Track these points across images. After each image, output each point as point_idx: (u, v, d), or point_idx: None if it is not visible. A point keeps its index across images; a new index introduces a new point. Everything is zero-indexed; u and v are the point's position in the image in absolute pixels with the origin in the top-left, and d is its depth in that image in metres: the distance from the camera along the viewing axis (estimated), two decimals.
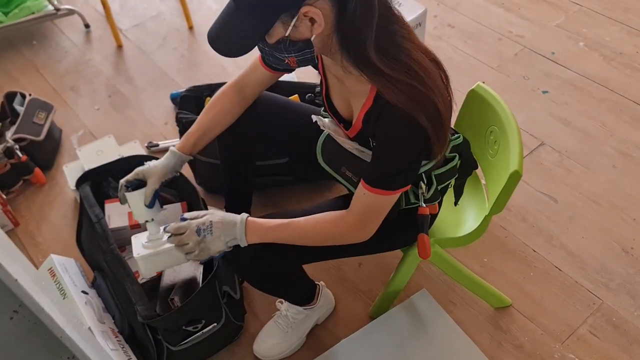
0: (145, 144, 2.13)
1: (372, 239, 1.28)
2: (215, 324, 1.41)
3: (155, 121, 2.26)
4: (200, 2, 2.83)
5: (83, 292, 1.45)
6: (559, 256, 1.72)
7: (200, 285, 1.46)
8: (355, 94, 1.15)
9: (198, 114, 1.89)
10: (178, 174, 1.38)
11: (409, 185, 1.15)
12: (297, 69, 1.27)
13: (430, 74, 1.06)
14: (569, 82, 2.25)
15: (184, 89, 2.26)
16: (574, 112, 2.14)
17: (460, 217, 1.51)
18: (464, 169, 1.32)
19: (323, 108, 1.37)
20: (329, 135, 1.32)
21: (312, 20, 1.01)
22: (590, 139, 2.04)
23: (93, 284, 1.56)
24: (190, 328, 1.36)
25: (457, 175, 1.32)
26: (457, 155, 1.28)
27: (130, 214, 1.61)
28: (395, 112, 1.04)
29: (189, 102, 1.90)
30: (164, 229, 1.21)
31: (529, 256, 1.73)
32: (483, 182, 1.51)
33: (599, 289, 1.64)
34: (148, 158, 1.69)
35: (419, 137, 1.06)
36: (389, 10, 1.07)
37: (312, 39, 1.03)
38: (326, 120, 1.31)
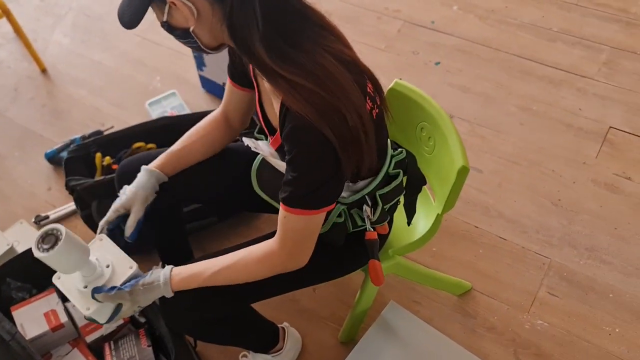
0: (33, 220, 1.84)
1: (326, 265, 1.19)
2: None
3: (35, 189, 1.96)
4: (46, 40, 2.49)
5: None
6: (499, 226, 1.74)
7: None
8: (274, 93, 1.02)
9: (90, 176, 1.68)
10: (155, 194, 1.24)
11: (332, 205, 1.04)
12: None
13: (338, 81, 0.94)
14: (456, 49, 2.28)
15: (60, 144, 2.01)
16: (470, 77, 2.17)
17: None
18: (412, 185, 1.24)
19: (257, 127, 1.25)
20: (262, 161, 1.20)
21: (190, 10, 0.96)
22: (492, 101, 2.09)
23: None
24: None
25: (405, 193, 1.24)
26: (401, 172, 1.20)
27: (47, 315, 1.36)
28: (297, 120, 0.93)
29: (77, 165, 1.65)
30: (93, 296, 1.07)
31: (473, 234, 1.74)
32: None
33: (544, 249, 1.69)
34: None
35: (326, 152, 0.95)
36: (293, 6, 0.96)
37: (191, 29, 0.99)
38: (260, 142, 1.19)
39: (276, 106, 1.04)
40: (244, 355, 1.45)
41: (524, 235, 1.72)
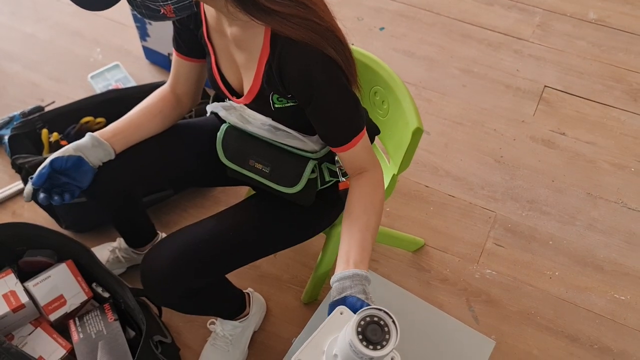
0: None
1: (296, 228, 1.23)
2: None
3: None
4: None
5: None
6: (448, 184, 1.83)
7: (127, 345, 1.29)
8: (247, 48, 1.04)
9: (37, 153, 1.63)
10: (96, 170, 1.19)
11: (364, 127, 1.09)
12: None
13: (325, 8, 0.99)
14: (399, 14, 2.32)
15: None
16: (413, 42, 2.23)
17: None
18: (369, 136, 1.29)
19: (212, 96, 1.24)
20: (227, 129, 1.20)
21: None
22: (435, 64, 2.16)
23: None
24: None
25: None
26: None
27: (6, 296, 1.33)
28: (300, 50, 0.96)
29: (22, 142, 1.58)
30: None
31: (423, 193, 1.82)
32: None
33: (489, 203, 1.79)
34: (19, 225, 1.40)
35: (337, 70, 0.99)
36: None
37: None
38: (226, 102, 1.18)
39: (247, 59, 1.05)
40: (212, 322, 1.48)
41: (470, 192, 1.82)
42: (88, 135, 1.17)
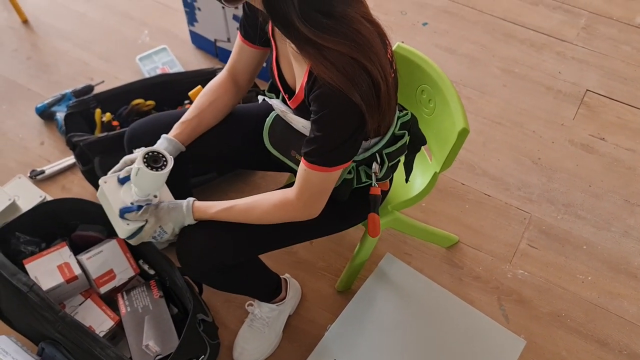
0: (28, 174, 1.84)
1: (328, 220, 1.27)
2: (202, 356, 1.33)
3: (28, 143, 1.95)
4: None
5: None
6: (484, 183, 1.85)
7: (171, 321, 1.36)
8: (297, 58, 1.07)
9: (91, 132, 1.70)
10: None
11: (348, 163, 1.12)
12: None
13: (372, 45, 1.00)
14: (442, 10, 2.33)
15: (50, 99, 1.99)
16: (455, 39, 2.24)
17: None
18: (413, 144, 1.32)
19: (269, 84, 1.29)
20: (276, 118, 1.26)
21: None
22: (477, 63, 2.16)
23: (41, 356, 1.37)
24: None
25: (406, 152, 1.32)
26: (406, 132, 1.27)
27: (60, 267, 1.40)
28: (327, 90, 0.99)
29: (77, 121, 1.65)
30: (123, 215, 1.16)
31: (459, 190, 1.84)
32: None
33: (525, 204, 1.81)
34: (74, 201, 1.47)
35: (353, 115, 1.02)
36: None
37: None
38: (274, 100, 1.23)
39: (297, 69, 1.09)
40: (250, 304, 1.53)
41: (506, 192, 1.83)
42: (163, 138, 1.26)
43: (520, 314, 1.59)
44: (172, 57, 2.13)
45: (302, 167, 1.09)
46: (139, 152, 1.12)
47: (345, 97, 0.98)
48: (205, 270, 1.22)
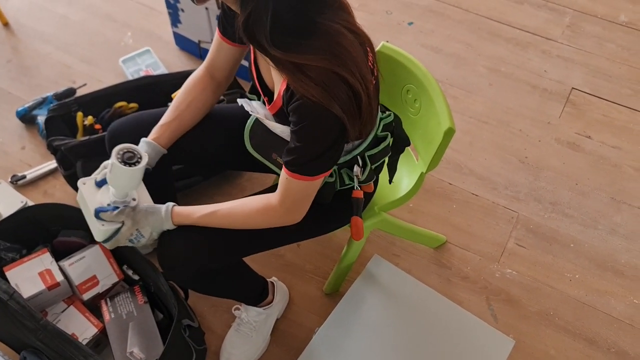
0: (9, 179, 1.81)
1: (311, 223, 1.25)
2: None
3: (8, 148, 1.91)
4: None
5: None
6: (471, 183, 1.85)
7: (156, 327, 1.34)
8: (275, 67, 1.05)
9: (72, 136, 1.67)
10: (151, 170, 1.25)
11: (329, 171, 1.11)
12: None
13: (353, 56, 0.99)
14: (428, 10, 2.32)
15: (30, 102, 1.96)
16: (441, 38, 2.23)
17: (394, 178, 1.52)
18: (396, 146, 1.31)
19: (250, 86, 1.27)
20: (256, 120, 1.24)
21: None
22: (463, 62, 2.16)
23: None
24: None
25: (390, 153, 1.31)
26: (389, 134, 1.26)
27: (42, 274, 1.37)
28: (305, 103, 0.98)
29: (58, 125, 1.62)
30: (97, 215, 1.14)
31: (447, 190, 1.83)
32: None
33: (512, 203, 1.81)
34: (56, 206, 1.44)
35: (333, 126, 1.01)
36: None
37: None
38: (254, 102, 1.21)
39: (275, 75, 1.07)
40: (237, 308, 1.51)
41: (494, 191, 1.83)
42: (143, 142, 1.24)
43: (509, 314, 1.58)
44: (156, 59, 2.11)
45: (284, 175, 1.08)
46: (114, 150, 1.11)
47: (324, 109, 0.97)
48: (188, 275, 1.20)
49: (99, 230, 1.13)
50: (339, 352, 1.41)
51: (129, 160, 1.10)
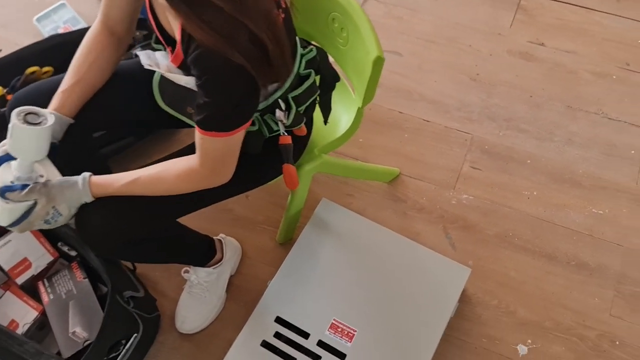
0: None
1: (244, 175, 1.17)
2: (135, 335, 1.26)
3: None
4: None
5: None
6: (422, 108, 1.76)
7: (98, 303, 1.28)
8: (170, 10, 0.93)
9: None
10: (58, 143, 1.14)
11: (248, 122, 1.02)
12: None
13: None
14: None
15: None
16: None
17: (331, 116, 1.43)
18: (325, 83, 1.20)
19: (154, 36, 1.15)
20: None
21: None
22: None
23: None
24: (113, 355, 1.20)
25: (319, 92, 1.20)
26: (313, 72, 1.15)
27: None
28: (203, 52, 0.89)
29: None
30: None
31: (397, 119, 1.75)
32: None
33: (465, 125, 1.73)
34: None
35: (239, 77, 0.92)
36: None
37: None
38: (157, 54, 1.10)
39: (172, 21, 0.96)
40: (186, 271, 1.46)
41: (446, 115, 1.75)
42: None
43: (467, 240, 1.55)
44: (74, 13, 1.93)
45: (198, 135, 0.99)
46: (13, 112, 0.99)
47: (225, 58, 0.87)
48: (114, 248, 1.12)
49: (3, 209, 1.02)
50: (293, 303, 1.37)
51: (32, 121, 0.99)
